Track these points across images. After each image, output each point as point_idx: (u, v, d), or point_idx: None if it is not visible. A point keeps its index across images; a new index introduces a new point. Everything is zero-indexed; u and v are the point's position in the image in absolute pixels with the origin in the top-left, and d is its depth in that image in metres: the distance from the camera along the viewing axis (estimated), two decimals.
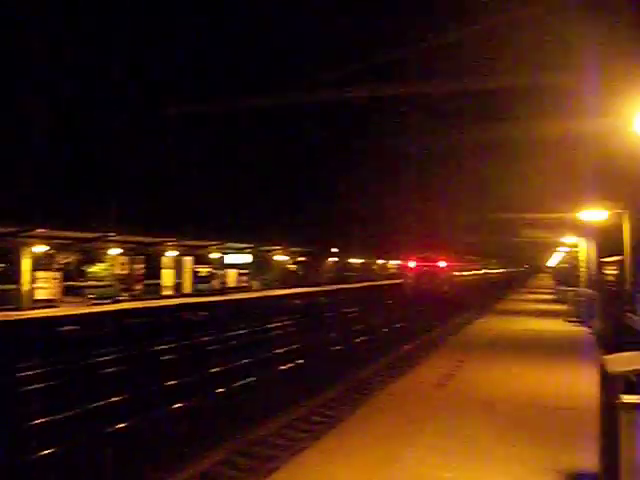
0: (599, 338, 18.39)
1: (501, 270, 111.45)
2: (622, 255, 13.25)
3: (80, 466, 10.82)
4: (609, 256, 15.60)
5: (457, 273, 57.78)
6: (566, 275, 43.15)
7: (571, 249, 34.40)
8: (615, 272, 14.24)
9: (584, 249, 25.21)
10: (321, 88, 13.51)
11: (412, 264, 49.99)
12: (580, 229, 22.65)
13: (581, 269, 25.70)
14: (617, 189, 13.08)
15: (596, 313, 20.07)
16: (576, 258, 29.75)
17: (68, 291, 31.03)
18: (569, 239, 28.39)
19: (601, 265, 17.61)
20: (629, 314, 12.47)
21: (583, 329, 22.41)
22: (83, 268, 35.63)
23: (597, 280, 20.30)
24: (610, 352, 7.76)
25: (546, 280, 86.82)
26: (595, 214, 15.81)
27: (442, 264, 49.04)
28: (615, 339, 14.11)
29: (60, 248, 32.74)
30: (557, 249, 44.47)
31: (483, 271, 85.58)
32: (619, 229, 13.43)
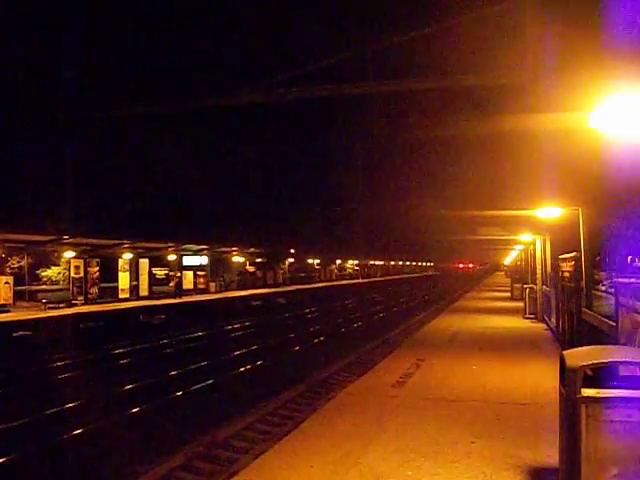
0: (556, 334, 18.64)
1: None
2: (578, 252, 13.39)
3: (35, 474, 10.57)
4: (565, 253, 15.76)
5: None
6: (521, 272, 43.73)
7: (527, 246, 34.84)
8: (571, 269, 14.38)
9: (540, 246, 25.55)
10: (279, 87, 13.40)
11: (461, 265, 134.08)
12: (536, 226, 22.91)
13: (537, 266, 26.03)
14: (573, 186, 13.22)
15: (553, 309, 20.34)
16: (532, 255, 30.16)
17: (22, 295, 30.38)
18: (525, 237, 28.73)
19: (557, 262, 17.80)
20: (585, 310, 12.62)
21: (540, 325, 22.72)
22: (37, 272, 34.94)
23: (553, 277, 20.56)
24: (567, 347, 7.82)
25: (503, 278, 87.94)
26: (551, 211, 15.98)
27: (470, 265, 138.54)
28: (572, 335, 14.27)
29: (12, 251, 32.04)
30: (514, 247, 45.01)
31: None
32: (575, 226, 13.58)
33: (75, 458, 11.22)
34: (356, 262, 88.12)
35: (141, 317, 29.68)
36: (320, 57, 13.27)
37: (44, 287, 33.52)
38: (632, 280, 13.17)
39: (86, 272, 31.10)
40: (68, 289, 30.78)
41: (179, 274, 39.17)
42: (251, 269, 53.59)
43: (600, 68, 6.96)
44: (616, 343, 8.64)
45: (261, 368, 19.96)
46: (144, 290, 35.73)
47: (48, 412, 13.94)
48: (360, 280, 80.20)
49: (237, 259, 49.95)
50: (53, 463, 10.97)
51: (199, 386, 16.73)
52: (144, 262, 36.06)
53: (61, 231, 28.75)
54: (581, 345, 8.95)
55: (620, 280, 11.47)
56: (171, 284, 38.62)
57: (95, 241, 31.90)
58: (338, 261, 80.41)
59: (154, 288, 36.64)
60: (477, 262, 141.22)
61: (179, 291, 37.31)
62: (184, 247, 40.67)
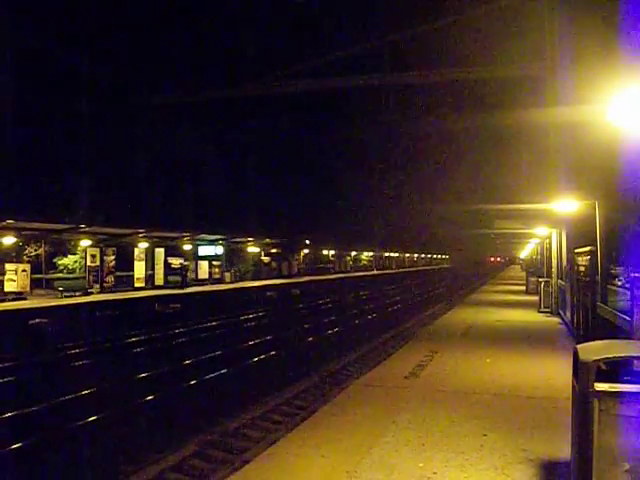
0: (571, 328, 18.55)
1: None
2: (594, 246, 13.29)
3: (53, 460, 10.68)
4: (581, 247, 15.66)
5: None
6: (537, 266, 43.52)
7: (543, 240, 34.66)
8: (586, 263, 14.28)
9: (556, 240, 25.40)
10: (293, 79, 13.40)
11: (492, 259, 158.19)
12: (552, 220, 22.77)
13: (553, 260, 25.89)
14: (590, 179, 13.12)
15: (568, 304, 20.23)
16: (548, 249, 30.00)
17: (38, 283, 30.64)
18: (541, 230, 28.56)
19: (572, 256, 17.70)
20: (600, 304, 12.54)
21: (555, 319, 22.62)
22: (54, 260, 35.21)
23: (568, 271, 20.44)
24: (582, 342, 7.78)
25: (518, 272, 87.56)
26: (567, 205, 15.85)
27: (498, 259, 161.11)
28: (586, 329, 14.20)
29: (29, 240, 32.29)
30: (530, 240, 44.78)
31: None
32: (591, 220, 13.49)
33: (89, 445, 11.33)
34: (371, 254, 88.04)
35: (156, 306, 29.85)
36: (336, 49, 13.26)
37: (61, 275, 33.77)
38: None
39: (102, 261, 31.31)
40: (84, 277, 31.01)
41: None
42: (266, 259, 53.67)
43: (617, 60, 6.90)
44: (631, 338, 8.59)
45: (275, 358, 20.02)
46: (159, 279, 35.91)
47: (63, 399, 14.08)
48: (375, 272, 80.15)
49: (252, 249, 50.03)
50: (68, 449, 11.08)
51: (213, 375, 16.82)
52: (160, 251, 36.23)
53: (78, 220, 28.92)
54: (596, 340, 8.92)
55: (636, 275, 11.38)
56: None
57: (111, 230, 32.06)
58: (353, 252, 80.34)
59: (169, 277, 36.79)
60: (502, 256, 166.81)
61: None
62: (199, 237, 40.78)
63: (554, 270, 25.44)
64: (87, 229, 29.75)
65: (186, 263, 39.19)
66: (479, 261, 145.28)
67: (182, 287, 35.76)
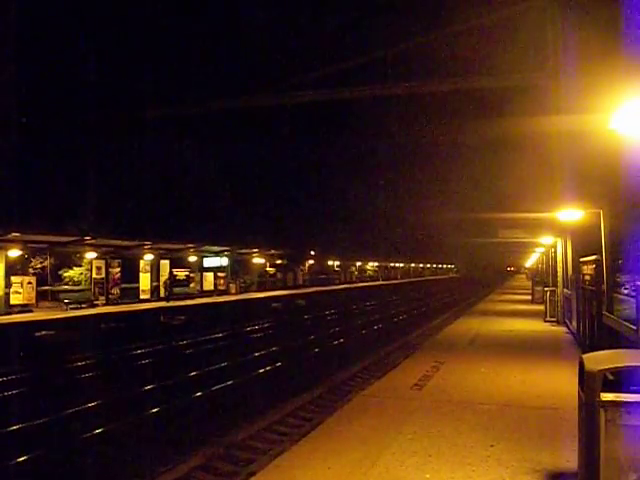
0: (577, 337, 18.48)
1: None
2: (599, 254, 13.26)
3: (58, 473, 10.66)
4: (586, 256, 15.62)
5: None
6: (542, 275, 43.41)
7: (548, 249, 34.60)
8: (592, 272, 14.24)
9: (561, 249, 25.34)
10: (298, 90, 13.43)
11: (508, 268, 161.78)
12: (557, 229, 22.73)
13: (558, 269, 25.82)
14: (594, 187, 13.10)
15: (574, 313, 20.16)
16: (553, 258, 29.94)
17: (44, 295, 30.68)
18: (547, 239, 28.50)
19: (578, 265, 17.66)
20: (606, 313, 12.50)
21: (561, 329, 22.52)
22: (60, 272, 35.26)
23: (574, 280, 20.38)
24: (588, 351, 7.74)
25: (524, 281, 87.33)
26: (572, 214, 15.82)
27: (512, 268, 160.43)
28: (593, 338, 14.14)
29: (35, 252, 32.35)
30: (535, 249, 44.70)
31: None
32: (596, 228, 13.46)
33: (95, 457, 11.31)
34: (376, 264, 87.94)
35: (162, 318, 29.86)
36: (340, 60, 13.29)
37: (66, 287, 33.82)
38: None
39: (107, 273, 31.36)
40: (90, 289, 31.04)
41: (191, 275, 38.78)
42: (271, 271, 53.64)
43: (621, 69, 6.90)
44: (637, 347, 8.55)
45: (280, 369, 19.97)
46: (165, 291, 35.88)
47: (69, 411, 14.06)
48: (380, 282, 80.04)
49: (257, 260, 50.03)
50: (73, 462, 11.06)
51: (218, 387, 16.79)
52: (165, 263, 36.24)
53: (83, 232, 28.99)
54: (602, 349, 8.87)
55: None
56: (192, 285, 38.75)
57: (117, 242, 32.11)
58: (358, 263, 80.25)
59: (175, 289, 36.76)
60: (514, 266, 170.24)
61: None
62: (205, 248, 40.80)
63: (560, 279, 25.37)
64: (92, 241, 29.80)
65: (192, 275, 39.21)
66: (484, 269, 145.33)
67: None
